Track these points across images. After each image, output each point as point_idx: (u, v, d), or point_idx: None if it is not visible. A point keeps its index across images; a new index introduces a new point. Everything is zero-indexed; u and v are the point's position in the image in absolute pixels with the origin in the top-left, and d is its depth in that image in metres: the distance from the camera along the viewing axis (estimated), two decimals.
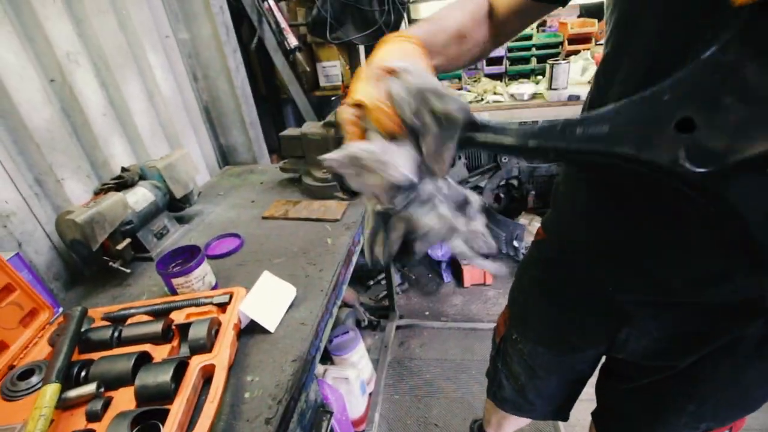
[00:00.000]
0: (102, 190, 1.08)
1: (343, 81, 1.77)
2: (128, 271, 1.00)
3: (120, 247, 0.98)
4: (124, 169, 1.16)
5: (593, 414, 0.95)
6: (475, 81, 2.39)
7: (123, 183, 1.10)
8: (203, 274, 0.88)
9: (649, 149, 0.30)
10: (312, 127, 1.26)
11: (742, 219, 0.30)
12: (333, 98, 1.80)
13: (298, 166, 1.35)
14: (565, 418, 1.04)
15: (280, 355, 0.72)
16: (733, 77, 0.28)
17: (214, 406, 0.59)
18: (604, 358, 0.87)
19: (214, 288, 0.90)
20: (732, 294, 0.55)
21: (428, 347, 1.92)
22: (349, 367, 1.50)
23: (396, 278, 2.07)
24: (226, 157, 1.74)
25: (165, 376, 0.62)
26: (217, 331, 0.73)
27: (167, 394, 0.61)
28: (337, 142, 1.21)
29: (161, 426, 0.57)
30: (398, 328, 2.03)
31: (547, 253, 0.82)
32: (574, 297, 0.77)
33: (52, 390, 0.62)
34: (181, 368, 0.65)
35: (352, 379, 1.45)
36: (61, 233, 0.95)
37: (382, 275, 2.32)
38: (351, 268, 1.07)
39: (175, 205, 1.22)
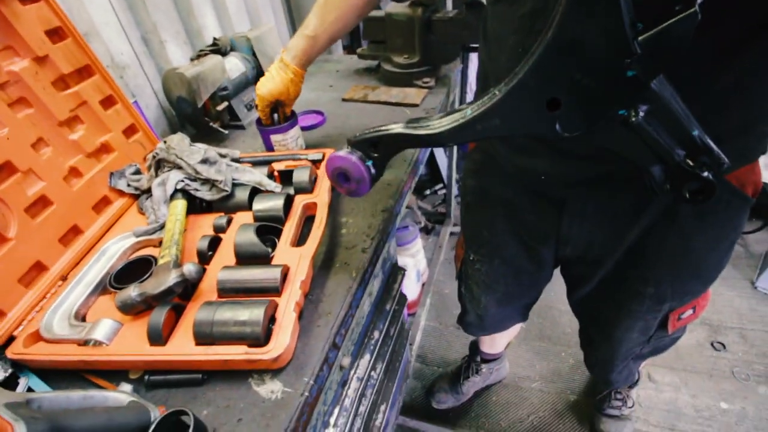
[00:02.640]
0: (199, 56, 1.14)
1: None
2: (226, 132, 1.09)
3: (220, 108, 1.06)
4: (215, 39, 1.21)
5: (579, 332, 1.02)
6: None
7: (217, 51, 1.15)
8: (297, 135, 0.94)
9: (534, 127, 0.42)
10: (397, 7, 1.22)
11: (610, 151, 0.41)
12: None
13: (377, 52, 1.33)
14: (525, 319, 1.11)
15: (370, 206, 0.79)
16: (576, 55, 0.35)
17: (321, 230, 0.67)
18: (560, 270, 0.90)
19: None
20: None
21: None
22: (407, 257, 1.60)
23: (454, 189, 2.09)
24: None
25: (278, 201, 0.71)
26: (315, 180, 0.81)
27: (279, 218, 0.71)
28: (425, 23, 1.16)
29: (276, 240, 0.67)
30: (452, 234, 2.10)
31: (478, 160, 0.83)
32: (512, 197, 0.77)
33: (182, 203, 0.73)
34: (288, 202, 0.74)
35: (410, 267, 1.56)
36: (168, 90, 1.03)
37: (439, 185, 2.35)
38: (427, 153, 1.10)
39: (259, 80, 1.27)
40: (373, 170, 0.56)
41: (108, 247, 0.70)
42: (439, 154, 2.24)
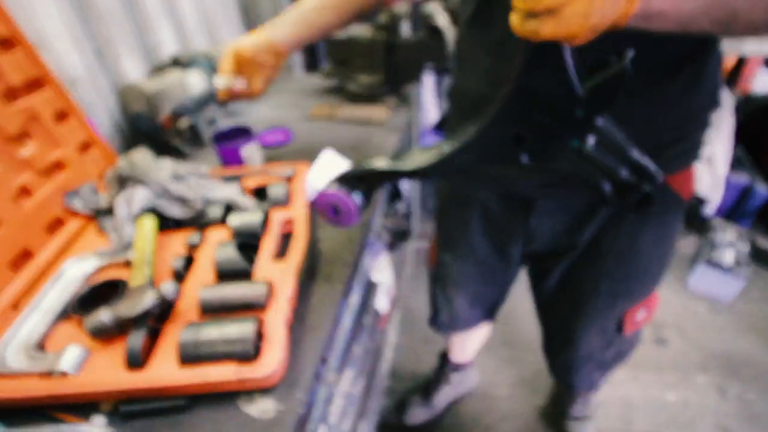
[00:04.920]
0: (158, 72, 1.10)
1: None
2: (187, 149, 1.05)
3: (182, 125, 1.02)
4: (175, 56, 1.17)
5: (542, 337, 1.06)
6: None
7: (177, 67, 1.12)
8: (257, 151, 0.93)
9: (504, 158, 0.49)
10: (360, 30, 1.26)
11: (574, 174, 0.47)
12: None
13: (340, 72, 1.36)
14: (492, 319, 1.15)
15: None
16: (535, 100, 0.42)
17: (302, 242, 0.66)
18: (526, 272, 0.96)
19: None
20: None
21: None
22: (376, 272, 1.61)
23: (416, 205, 2.14)
24: None
25: (256, 216, 0.69)
26: (289, 195, 0.80)
27: (257, 234, 0.69)
28: (388, 46, 1.21)
29: (254, 255, 0.65)
30: (416, 250, 2.13)
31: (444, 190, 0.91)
32: (485, 200, 0.84)
33: (151, 221, 0.69)
34: (264, 217, 0.72)
35: (379, 282, 1.57)
36: (126, 104, 0.99)
37: (401, 202, 2.40)
38: None
39: None
40: (360, 201, 0.58)
41: (64, 271, 0.64)
42: None
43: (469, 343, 1.35)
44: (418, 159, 0.53)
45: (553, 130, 0.44)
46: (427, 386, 1.45)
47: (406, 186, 2.26)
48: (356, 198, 0.57)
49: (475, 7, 0.64)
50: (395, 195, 2.40)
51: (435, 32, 1.14)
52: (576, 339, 0.91)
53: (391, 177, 0.56)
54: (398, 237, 2.21)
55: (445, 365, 1.43)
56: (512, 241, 0.85)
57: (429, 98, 1.73)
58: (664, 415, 1.45)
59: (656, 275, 0.82)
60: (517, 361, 1.63)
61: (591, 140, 0.44)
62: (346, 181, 0.58)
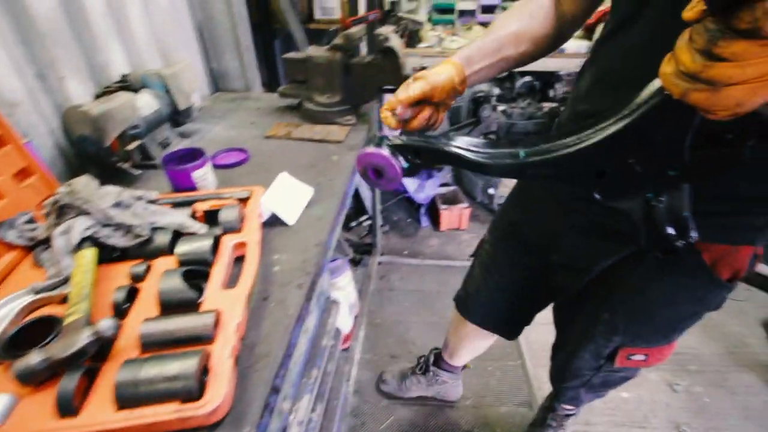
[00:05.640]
0: (106, 93, 1.06)
1: (342, 13, 1.75)
2: (137, 172, 1.01)
3: (130, 147, 0.99)
4: (124, 75, 1.14)
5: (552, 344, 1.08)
6: (467, 29, 2.42)
7: (127, 87, 1.09)
8: (210, 173, 0.92)
9: (577, 184, 0.51)
10: (317, 50, 1.27)
11: (627, 215, 0.47)
12: (330, 30, 1.78)
13: (298, 91, 1.37)
14: (508, 335, 1.17)
15: (303, 242, 0.80)
16: (639, 144, 0.42)
17: (254, 267, 0.65)
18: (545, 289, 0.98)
19: None
20: None
21: (407, 280, 2.06)
22: (337, 290, 1.60)
23: (379, 219, 2.16)
24: (216, 82, 1.71)
25: (205, 242, 0.68)
26: (242, 219, 0.79)
27: (207, 261, 0.68)
28: (344, 66, 1.23)
29: (204, 283, 0.64)
30: (380, 263, 2.14)
31: None
32: (537, 197, 0.90)
33: (91, 252, 0.67)
34: (215, 243, 0.71)
35: (341, 300, 1.56)
36: (69, 128, 0.95)
37: (365, 217, 2.41)
38: (353, 185, 1.14)
39: (175, 119, 1.22)
40: (405, 168, 0.56)
41: None
42: (362, 185, 2.31)
43: (462, 349, 1.36)
44: (489, 153, 0.51)
45: (638, 178, 0.44)
46: (408, 369, 1.54)
47: (368, 200, 2.28)
48: (402, 163, 0.55)
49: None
50: (359, 210, 2.41)
51: (389, 53, 1.16)
52: (571, 351, 0.93)
53: (456, 162, 0.53)
54: (362, 251, 2.21)
55: (430, 357, 1.49)
56: (539, 238, 0.89)
57: None
58: (620, 414, 1.51)
59: (664, 333, 0.80)
60: (480, 369, 1.66)
61: (663, 198, 0.44)
62: (400, 149, 0.55)
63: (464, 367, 1.50)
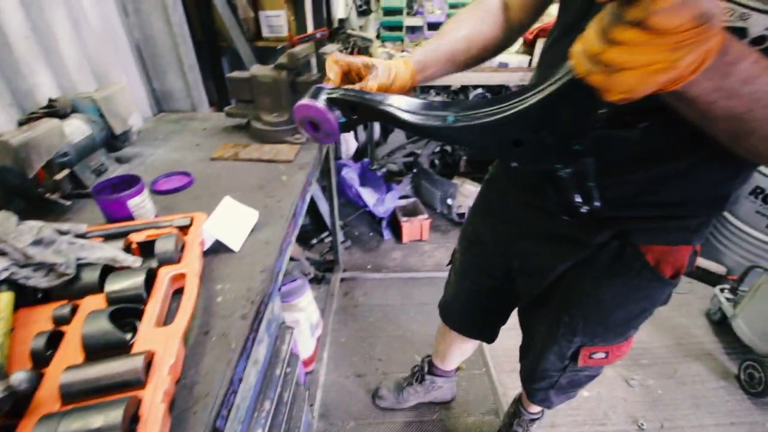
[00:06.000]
0: (30, 120, 0.99)
1: (289, 30, 1.74)
2: (68, 203, 0.95)
3: (59, 176, 0.92)
4: (52, 100, 1.07)
5: (519, 347, 1.08)
6: (416, 45, 2.48)
7: (54, 113, 1.02)
8: (148, 201, 0.87)
9: (496, 153, 0.57)
10: (262, 69, 1.26)
11: (555, 181, 0.51)
12: (278, 47, 1.76)
13: (245, 111, 1.34)
14: (487, 339, 1.21)
15: (248, 268, 0.77)
16: (550, 119, 0.45)
17: (192, 301, 0.62)
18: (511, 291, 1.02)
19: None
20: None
21: (370, 295, 2.05)
22: (298, 312, 1.56)
23: (340, 235, 2.13)
24: (160, 103, 1.64)
25: (138, 278, 0.64)
26: (182, 248, 0.75)
27: (140, 298, 0.63)
28: (291, 85, 1.22)
29: (138, 321, 0.60)
30: (342, 280, 2.11)
31: (493, 173, 0.99)
32: (495, 207, 0.94)
33: (7, 297, 0.61)
34: (150, 278, 0.67)
35: (302, 322, 1.52)
36: None
37: (325, 234, 2.38)
38: (306, 203, 1.12)
39: (112, 144, 1.16)
40: (341, 121, 0.56)
41: None
42: (321, 202, 2.28)
43: (450, 354, 1.40)
44: (418, 113, 0.52)
45: (549, 150, 0.48)
46: (403, 380, 1.54)
47: (326, 215, 2.25)
48: (338, 116, 0.55)
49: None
50: (319, 226, 2.38)
51: None
52: (538, 351, 0.95)
53: (387, 119, 0.54)
54: (325, 269, 2.18)
55: (424, 366, 1.50)
56: (499, 243, 0.93)
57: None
58: (582, 412, 1.56)
59: (618, 332, 0.84)
60: None
61: (569, 169, 0.49)
62: (337, 102, 0.55)
63: (457, 369, 1.53)
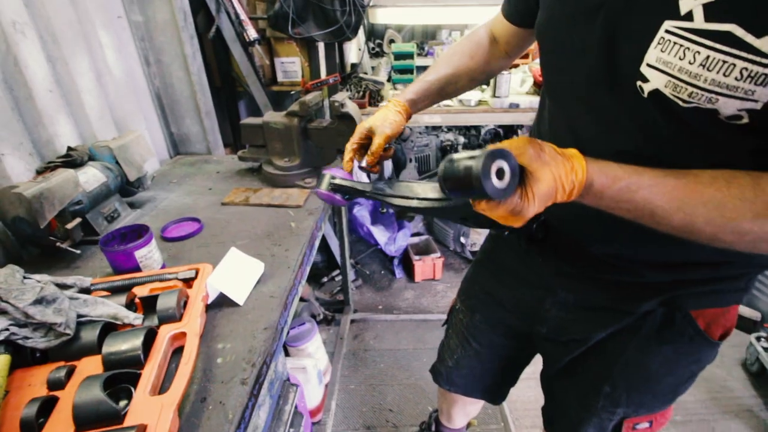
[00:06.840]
0: (47, 168, 1.02)
1: (303, 77, 1.80)
2: (78, 252, 0.95)
3: (70, 226, 0.93)
4: (70, 149, 1.10)
5: (542, 409, 1.00)
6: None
7: (71, 162, 1.04)
8: (155, 252, 0.86)
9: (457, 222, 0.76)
10: (274, 116, 1.28)
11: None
12: (292, 93, 1.81)
13: (258, 155, 1.36)
14: (493, 400, 1.13)
15: (251, 325, 0.74)
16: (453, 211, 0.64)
17: (189, 367, 0.59)
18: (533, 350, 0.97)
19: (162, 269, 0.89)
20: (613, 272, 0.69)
21: (382, 339, 1.98)
22: (305, 358, 1.51)
23: (351, 274, 2.10)
24: (177, 146, 1.69)
25: (135, 341, 0.62)
26: (185, 303, 0.73)
27: (137, 360, 0.61)
28: (302, 131, 1.24)
29: (134, 388, 0.57)
30: (353, 321, 2.06)
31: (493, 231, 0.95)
32: (511, 267, 0.88)
33: (2, 359, 0.59)
34: (149, 337, 0.65)
35: (310, 369, 1.46)
36: (3, 210, 0.88)
37: (336, 272, 2.35)
38: (314, 251, 1.10)
39: (126, 189, 1.18)
40: (349, 200, 0.80)
41: None
42: (332, 240, 2.27)
43: (455, 412, 1.30)
44: (382, 192, 0.72)
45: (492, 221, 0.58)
46: None
47: (337, 252, 2.22)
48: (342, 197, 0.79)
49: None
50: (330, 264, 2.35)
51: (346, 118, 1.18)
52: (572, 425, 0.87)
53: (369, 198, 0.75)
54: (335, 309, 2.13)
55: (431, 424, 1.39)
56: (523, 316, 0.87)
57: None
58: None
59: (667, 399, 0.80)
60: None
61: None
62: (335, 188, 0.78)
63: (468, 425, 1.42)
